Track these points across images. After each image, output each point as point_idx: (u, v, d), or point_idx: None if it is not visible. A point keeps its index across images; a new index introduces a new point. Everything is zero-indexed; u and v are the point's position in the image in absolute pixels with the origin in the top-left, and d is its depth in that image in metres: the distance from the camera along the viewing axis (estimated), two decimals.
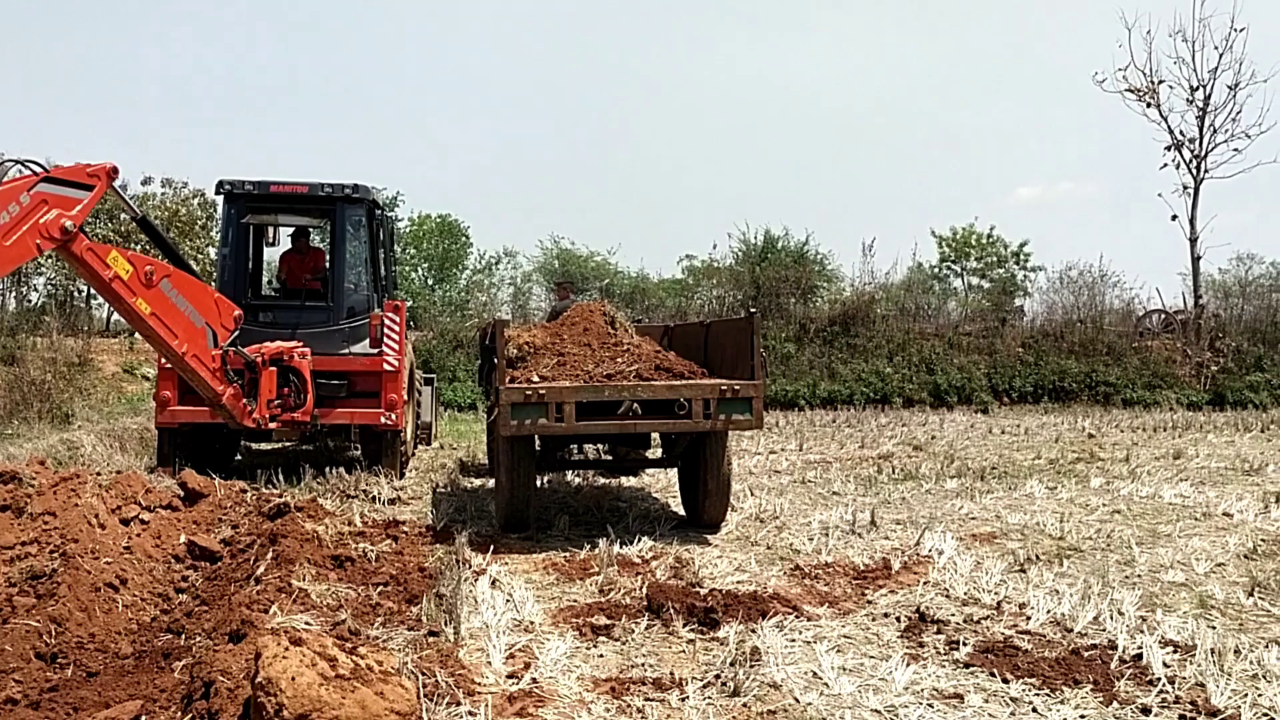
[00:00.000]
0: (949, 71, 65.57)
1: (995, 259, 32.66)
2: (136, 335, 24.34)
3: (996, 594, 5.91)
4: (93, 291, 25.21)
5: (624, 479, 10.85)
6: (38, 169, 6.34)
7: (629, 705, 4.22)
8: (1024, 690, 4.32)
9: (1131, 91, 25.75)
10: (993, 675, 4.50)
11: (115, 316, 25.43)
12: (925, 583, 6.24)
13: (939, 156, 62.74)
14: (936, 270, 32.62)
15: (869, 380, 22.14)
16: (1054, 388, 22.40)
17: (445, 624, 5.15)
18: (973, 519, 8.50)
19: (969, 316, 25.88)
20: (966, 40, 67.22)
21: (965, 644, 4.92)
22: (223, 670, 3.78)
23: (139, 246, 19.17)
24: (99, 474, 7.23)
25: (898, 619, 5.47)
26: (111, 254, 7.06)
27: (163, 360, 10.13)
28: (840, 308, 24.59)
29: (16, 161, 6.33)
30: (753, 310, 7.88)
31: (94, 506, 6.21)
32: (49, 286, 25.00)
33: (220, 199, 11.16)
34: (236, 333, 8.20)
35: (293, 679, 3.31)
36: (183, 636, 4.99)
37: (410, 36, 70.62)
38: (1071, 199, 57.97)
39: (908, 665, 4.62)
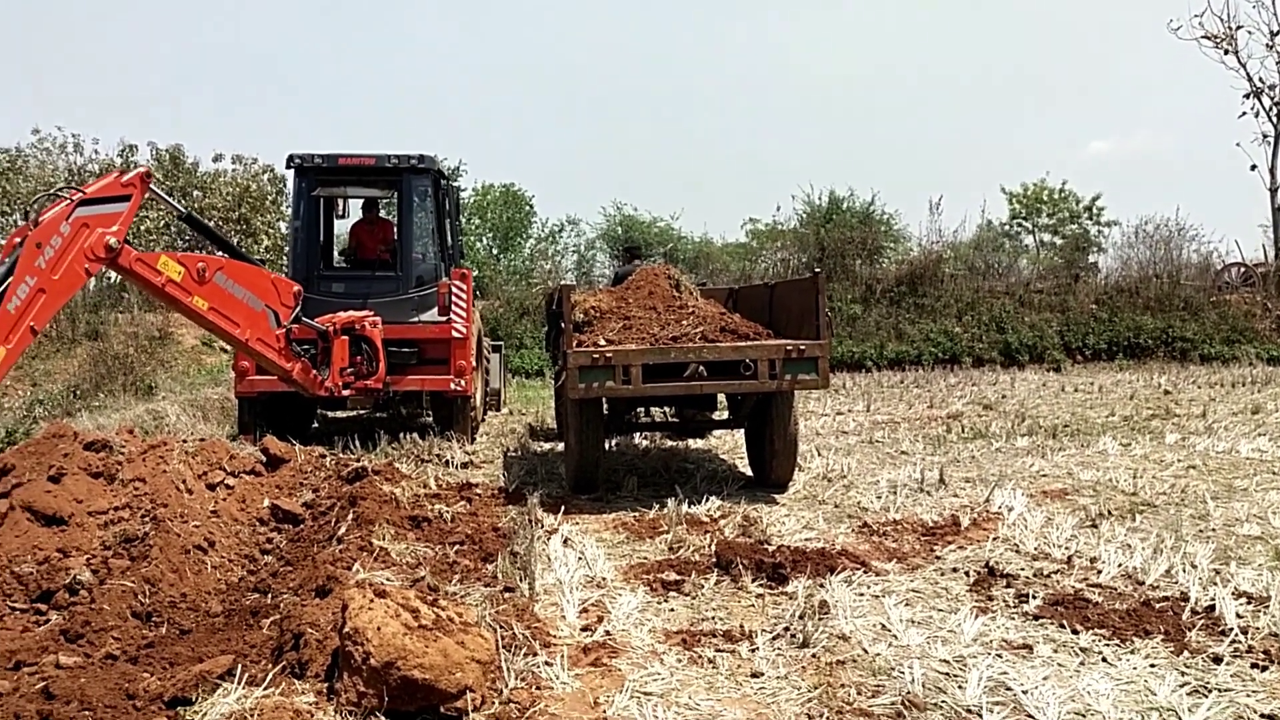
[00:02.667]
0: (1018, 25, 63.92)
1: (1068, 215, 31.91)
2: None
3: (1067, 549, 5.88)
4: None
5: (691, 441, 10.93)
6: (69, 193, 6.39)
7: (700, 656, 4.32)
8: (1094, 640, 4.33)
9: (1208, 38, 24.99)
10: (1062, 627, 4.51)
11: None
12: (995, 539, 6.23)
13: (1008, 112, 61.32)
14: (1007, 228, 32.01)
15: (937, 340, 21.92)
16: (1129, 344, 21.95)
17: (520, 580, 5.29)
18: (1044, 476, 8.43)
19: (1040, 274, 25.38)
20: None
21: (1034, 597, 4.93)
22: (311, 623, 3.95)
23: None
24: (185, 441, 7.48)
25: (966, 574, 5.49)
26: (161, 259, 7.19)
27: None
28: (907, 268, 24.30)
29: (48, 195, 6.45)
30: (817, 269, 7.87)
31: (181, 472, 6.44)
32: None
33: (290, 173, 11.38)
34: (298, 309, 8.38)
35: (378, 629, 3.46)
36: (269, 595, 5.18)
37: (472, 10, 70.77)
38: (1147, 152, 56.33)
39: (976, 618, 4.65)
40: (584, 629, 4.71)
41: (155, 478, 6.18)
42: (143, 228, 22.88)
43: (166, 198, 8.02)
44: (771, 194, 65.37)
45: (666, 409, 10.61)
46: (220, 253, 7.94)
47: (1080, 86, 62.14)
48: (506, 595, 5.05)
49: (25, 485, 5.62)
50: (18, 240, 6.04)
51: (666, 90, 66.53)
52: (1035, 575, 5.41)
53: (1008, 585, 5.22)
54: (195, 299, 7.32)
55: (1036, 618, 4.67)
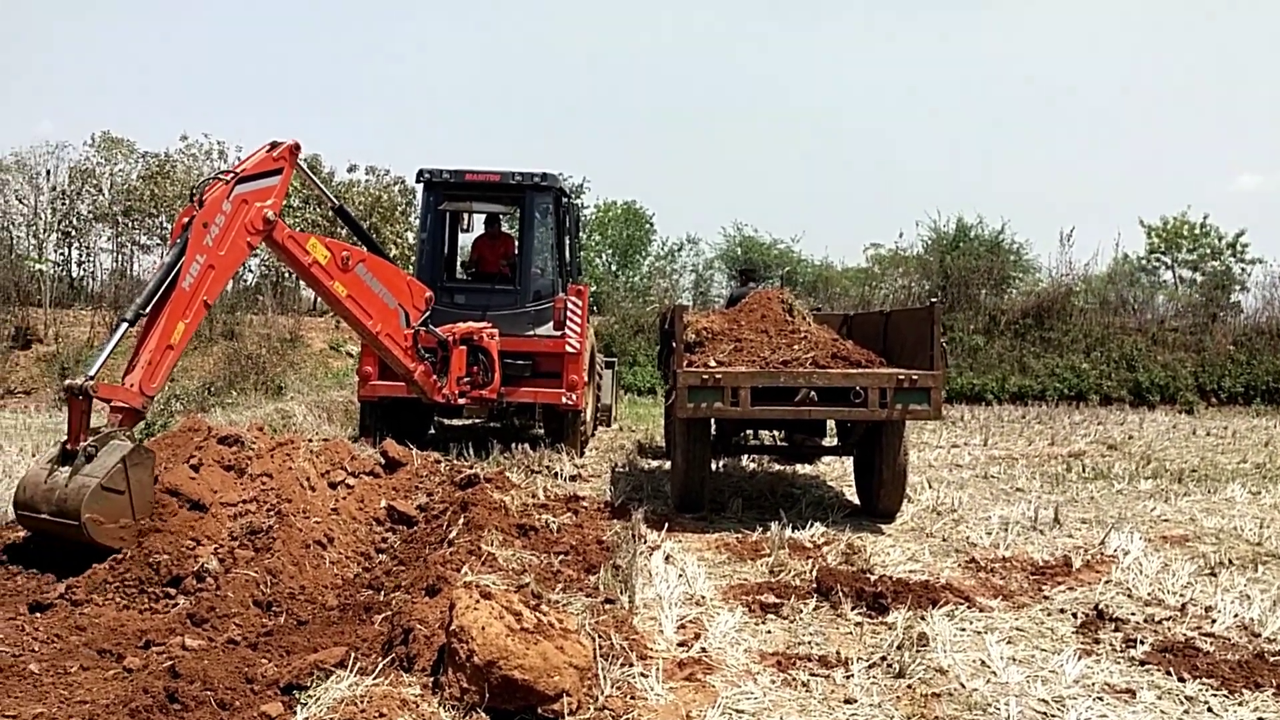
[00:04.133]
0: (1163, 48, 61.74)
1: (1209, 251, 30.53)
2: None
3: (1182, 596, 5.70)
4: None
5: (798, 465, 10.90)
6: (227, 174, 6.82)
7: (794, 679, 4.35)
8: (1200, 690, 4.20)
9: None
10: (1169, 674, 4.38)
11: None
12: (1107, 581, 6.06)
13: (1150, 141, 59.22)
14: (1143, 262, 30.80)
15: (1063, 376, 21.31)
16: (1268, 389, 20.94)
17: (621, 593, 5.40)
18: (1164, 521, 8.15)
19: (1177, 311, 24.41)
20: (1184, 14, 63.11)
21: (1143, 643, 4.80)
22: (420, 619, 4.12)
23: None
24: (310, 440, 7.82)
25: (1074, 615, 5.37)
26: (310, 240, 7.61)
27: None
28: (1035, 299, 23.70)
29: (211, 179, 6.89)
30: (934, 299, 7.80)
31: (305, 470, 6.76)
32: (262, 268, 26.89)
33: (420, 186, 11.79)
34: (427, 313, 8.69)
35: (483, 628, 3.60)
36: (382, 592, 5.40)
37: (598, 32, 71.93)
38: None
39: (1080, 659, 4.55)
40: (680, 644, 4.78)
41: (281, 474, 6.50)
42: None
43: (322, 188, 8.43)
44: (896, 219, 64.61)
45: (775, 432, 10.60)
46: (363, 247, 8.33)
47: (1230, 115, 59.60)
48: (607, 606, 5.16)
49: (168, 471, 6.00)
50: (185, 221, 6.52)
51: (791, 111, 66.37)
52: (1146, 621, 5.26)
53: (1116, 629, 5.09)
54: (336, 284, 7.74)
55: (1143, 663, 4.55)
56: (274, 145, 7.20)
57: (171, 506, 5.71)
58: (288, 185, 7.31)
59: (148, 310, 6.20)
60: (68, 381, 5.84)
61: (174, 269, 6.32)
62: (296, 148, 7.27)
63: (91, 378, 5.74)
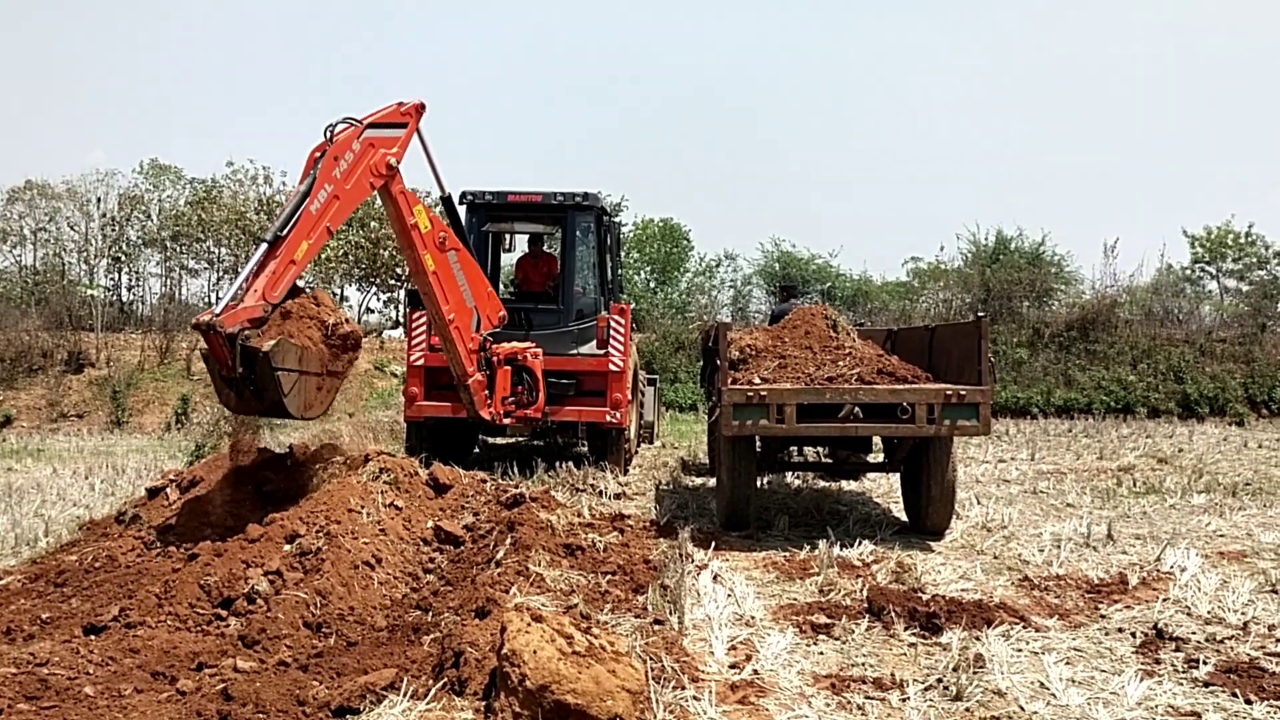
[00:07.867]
0: (1206, 58, 60.93)
1: (1255, 260, 29.98)
2: (385, 334, 26.19)
3: (1243, 614, 5.56)
4: (345, 293, 27.28)
5: (844, 482, 10.81)
6: (354, 121, 7.16)
7: (849, 702, 4.29)
8: (1268, 712, 4.09)
9: None
10: (1234, 696, 4.28)
11: (365, 316, 27.44)
12: (1165, 599, 5.93)
13: (1192, 150, 58.42)
14: (1188, 272, 30.33)
15: (1110, 388, 21.02)
16: None
17: (670, 613, 5.36)
18: (1221, 536, 7.98)
19: (1225, 322, 24.02)
20: (1221, 23, 62.29)
21: (1205, 663, 4.69)
22: (471, 642, 4.11)
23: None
24: None
25: (1133, 634, 5.26)
26: (418, 206, 7.95)
27: (412, 359, 10.94)
28: (1079, 311, 23.44)
29: (342, 121, 7.14)
30: (980, 313, 7.71)
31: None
32: (306, 288, 27.25)
33: (463, 208, 11.85)
34: (498, 329, 8.85)
35: (534, 652, 3.58)
36: (430, 613, 5.39)
37: (632, 50, 72.31)
38: None
39: (1141, 681, 4.46)
40: (732, 666, 4.74)
41: (330, 495, 6.54)
42: (324, 255, 24.20)
43: (435, 167, 8.63)
44: (935, 232, 64.17)
45: (820, 449, 10.51)
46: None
47: (1273, 123, 58.66)
48: (656, 628, 5.12)
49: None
50: (316, 155, 6.90)
51: (826, 124, 66.28)
52: (1207, 640, 5.14)
53: (1177, 649, 4.98)
54: (427, 256, 8.08)
55: (1207, 684, 4.45)
56: (401, 104, 7.65)
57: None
58: (410, 140, 7.72)
59: (285, 233, 6.56)
60: (196, 320, 6.21)
61: (305, 196, 6.70)
62: (422, 107, 7.85)
63: (219, 313, 6.11)
